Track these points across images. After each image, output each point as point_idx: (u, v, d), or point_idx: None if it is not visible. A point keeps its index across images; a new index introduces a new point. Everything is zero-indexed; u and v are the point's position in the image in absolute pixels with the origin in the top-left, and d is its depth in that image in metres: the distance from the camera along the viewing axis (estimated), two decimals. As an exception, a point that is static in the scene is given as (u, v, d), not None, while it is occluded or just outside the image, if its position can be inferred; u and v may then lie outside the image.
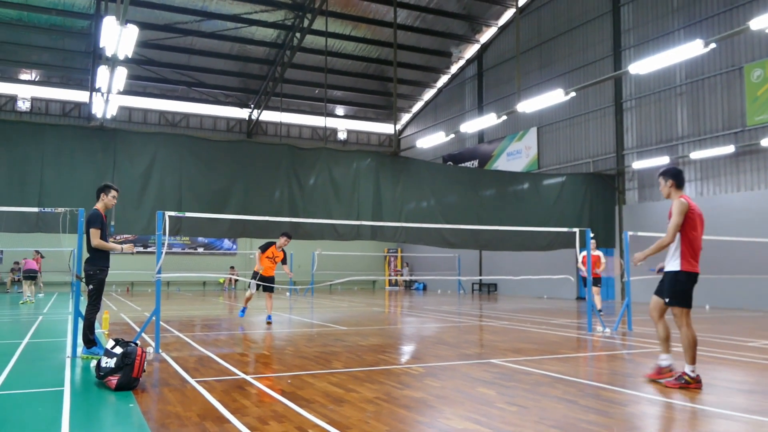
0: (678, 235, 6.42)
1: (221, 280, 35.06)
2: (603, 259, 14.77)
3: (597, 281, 13.69)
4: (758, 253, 17.47)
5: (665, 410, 5.51)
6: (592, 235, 13.12)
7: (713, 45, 12.64)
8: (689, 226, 6.42)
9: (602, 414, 5.27)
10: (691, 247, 6.42)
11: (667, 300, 6.46)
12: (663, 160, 21.23)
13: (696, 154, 20.20)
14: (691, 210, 6.41)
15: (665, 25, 21.87)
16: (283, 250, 13.45)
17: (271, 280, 13.33)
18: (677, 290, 6.40)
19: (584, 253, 13.50)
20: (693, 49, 12.75)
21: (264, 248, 13.37)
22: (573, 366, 7.85)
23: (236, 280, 34.15)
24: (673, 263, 6.46)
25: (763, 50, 18.79)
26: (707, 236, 16.05)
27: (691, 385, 6.19)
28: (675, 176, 6.58)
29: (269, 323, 13.18)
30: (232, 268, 34.14)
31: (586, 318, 12.47)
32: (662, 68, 20.17)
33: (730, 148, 19.23)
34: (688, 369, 6.26)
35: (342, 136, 38.12)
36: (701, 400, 5.76)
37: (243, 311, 13.90)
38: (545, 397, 5.87)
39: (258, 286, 13.40)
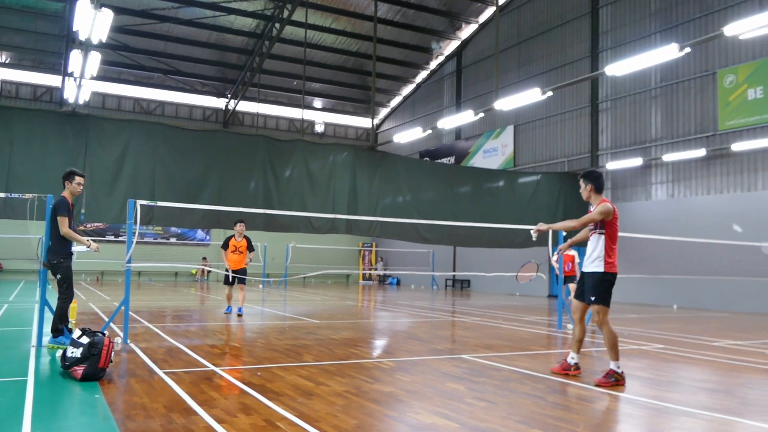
0: (602, 238, 6.64)
1: (193, 271, 34.75)
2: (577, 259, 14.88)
3: (571, 279, 13.80)
4: (726, 255, 17.80)
5: (631, 407, 5.58)
6: (564, 233, 13.24)
7: (688, 49, 12.81)
8: (614, 230, 6.68)
9: (569, 410, 5.33)
10: (613, 250, 6.67)
11: (592, 299, 6.64)
12: (636, 162, 21.53)
13: (668, 157, 20.50)
14: (615, 216, 6.69)
15: (642, 28, 22.12)
16: (245, 237, 13.35)
17: (242, 272, 13.20)
18: (602, 290, 6.60)
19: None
20: (668, 53, 12.91)
21: (225, 245, 13.31)
22: (542, 362, 7.92)
23: (209, 272, 33.90)
24: (596, 264, 6.66)
25: (737, 56, 19.11)
26: (677, 237, 16.33)
27: (620, 381, 6.37)
28: (594, 180, 6.86)
29: (240, 315, 13.09)
30: (204, 258, 33.87)
31: (557, 315, 12.60)
32: (638, 71, 20.42)
33: (701, 152, 19.56)
34: (614, 366, 6.43)
35: (319, 128, 37.97)
36: (666, 398, 5.85)
37: (229, 309, 13.73)
38: (514, 393, 5.91)
39: (232, 280, 13.26)
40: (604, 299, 6.61)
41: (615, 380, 6.35)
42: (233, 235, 13.31)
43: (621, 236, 6.82)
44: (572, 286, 13.72)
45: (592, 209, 6.84)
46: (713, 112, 19.68)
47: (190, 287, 26.48)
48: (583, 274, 6.86)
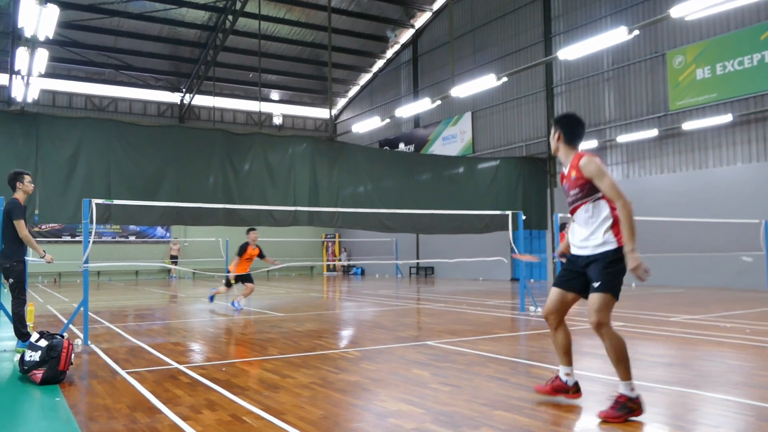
0: (601, 204, 4.70)
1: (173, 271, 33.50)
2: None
3: None
4: (680, 232, 18.29)
5: (591, 384, 5.71)
6: (524, 217, 13.46)
7: (636, 32, 13.08)
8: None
9: (532, 391, 5.43)
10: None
11: (596, 285, 4.63)
12: (591, 144, 21.90)
13: (622, 138, 20.92)
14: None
15: (593, 12, 22.45)
16: (256, 245, 13.65)
17: (248, 275, 13.56)
18: (615, 273, 4.66)
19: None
20: (618, 35, 13.15)
21: (242, 251, 13.50)
22: (506, 345, 8.05)
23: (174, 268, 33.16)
24: (604, 239, 4.65)
25: (685, 37, 19.56)
26: (633, 217, 16.60)
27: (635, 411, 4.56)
28: (564, 126, 4.96)
29: (238, 310, 13.17)
30: (174, 246, 32.85)
31: (520, 298, 12.80)
32: (590, 54, 20.76)
33: (653, 132, 20.01)
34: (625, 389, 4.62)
35: (277, 120, 37.64)
36: (625, 374, 6.00)
37: (212, 298, 13.87)
38: (478, 376, 6.01)
39: (234, 282, 13.63)
40: (615, 287, 4.59)
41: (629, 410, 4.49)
42: (248, 243, 13.55)
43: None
44: None
45: (564, 170, 4.91)
46: (664, 92, 20.13)
47: (166, 286, 26.06)
48: (576, 257, 4.83)
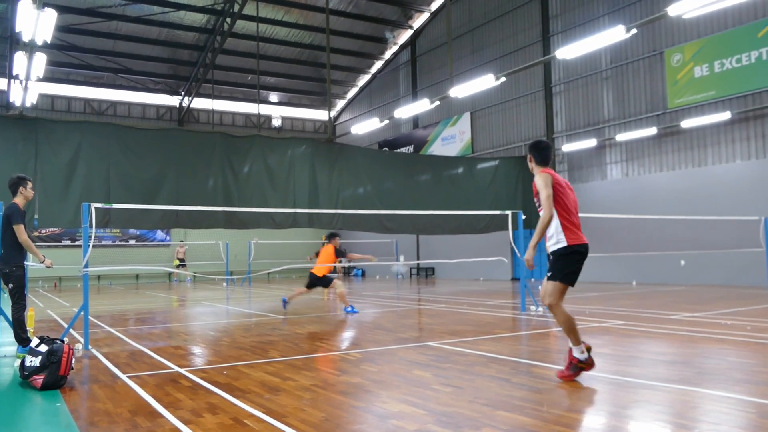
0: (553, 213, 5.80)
1: (190, 275, 32.91)
2: None
3: None
4: (680, 230, 18.30)
5: (593, 383, 5.70)
6: (524, 216, 13.46)
7: (634, 31, 13.09)
8: (559, 198, 5.87)
9: (533, 390, 5.43)
10: (569, 219, 5.89)
11: (548, 274, 5.94)
12: (591, 143, 21.92)
13: (621, 136, 20.93)
14: (556, 182, 5.87)
15: (591, 11, 22.46)
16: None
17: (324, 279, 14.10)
18: (560, 264, 5.88)
19: None
20: (616, 34, 13.15)
21: (340, 254, 14.37)
22: (507, 345, 8.04)
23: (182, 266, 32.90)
24: (555, 242, 5.87)
25: (682, 35, 19.57)
26: (632, 215, 16.65)
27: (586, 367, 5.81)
28: (535, 151, 6.07)
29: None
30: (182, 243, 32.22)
31: (521, 298, 12.79)
32: (588, 53, 20.78)
33: (652, 130, 20.02)
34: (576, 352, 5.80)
35: (276, 123, 37.62)
36: (627, 372, 6.01)
37: (352, 308, 13.76)
38: (479, 377, 6.00)
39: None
40: (564, 276, 5.79)
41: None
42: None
43: (580, 216, 6.26)
44: None
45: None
46: (662, 90, 20.14)
47: (167, 289, 26.05)
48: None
